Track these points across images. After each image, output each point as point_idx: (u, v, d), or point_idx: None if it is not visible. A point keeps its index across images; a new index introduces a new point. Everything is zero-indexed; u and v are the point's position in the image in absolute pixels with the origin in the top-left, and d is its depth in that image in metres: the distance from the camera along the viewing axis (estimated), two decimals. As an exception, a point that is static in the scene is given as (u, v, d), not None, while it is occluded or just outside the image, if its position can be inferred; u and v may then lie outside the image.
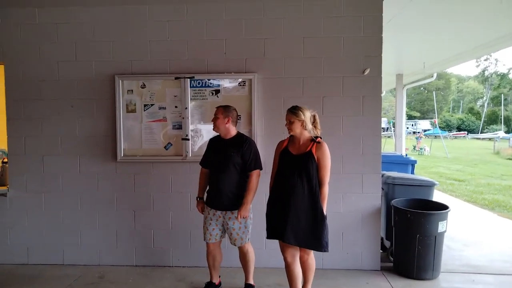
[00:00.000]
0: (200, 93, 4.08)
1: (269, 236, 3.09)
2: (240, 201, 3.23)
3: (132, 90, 4.13)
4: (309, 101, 3.69)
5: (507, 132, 39.19)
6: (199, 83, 4.07)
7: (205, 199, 3.45)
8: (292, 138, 3.11)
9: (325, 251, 2.97)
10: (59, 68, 4.16)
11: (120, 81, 4.10)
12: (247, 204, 3.21)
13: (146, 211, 4.19)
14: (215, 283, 3.52)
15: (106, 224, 4.22)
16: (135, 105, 4.14)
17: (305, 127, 2.99)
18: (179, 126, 4.11)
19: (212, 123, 3.33)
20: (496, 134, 35.05)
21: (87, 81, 4.15)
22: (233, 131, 3.34)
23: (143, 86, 4.12)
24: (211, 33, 4.06)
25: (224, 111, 3.28)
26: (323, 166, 2.94)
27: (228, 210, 3.27)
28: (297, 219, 2.91)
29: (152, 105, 4.13)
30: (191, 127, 4.09)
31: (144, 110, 4.13)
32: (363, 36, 3.96)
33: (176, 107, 4.10)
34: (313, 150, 2.95)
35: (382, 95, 4.21)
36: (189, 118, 4.08)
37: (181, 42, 4.08)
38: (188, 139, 4.09)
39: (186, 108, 4.06)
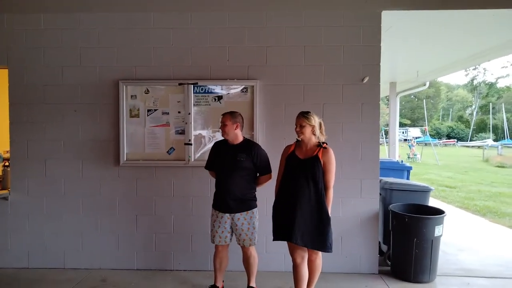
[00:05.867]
0: (203, 99, 4.15)
1: (276, 238, 3.16)
2: (247, 203, 3.34)
3: (135, 95, 4.18)
4: (310, 107, 3.73)
5: (495, 140, 39.82)
6: (202, 89, 4.15)
7: (212, 202, 3.51)
8: (298, 143, 3.21)
9: (329, 251, 3.07)
10: (63, 72, 4.21)
11: (124, 86, 4.15)
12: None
13: (148, 215, 4.23)
14: (218, 286, 3.56)
15: (108, 228, 4.24)
16: (138, 110, 4.19)
17: (314, 132, 3.10)
18: (182, 131, 4.17)
19: (220, 130, 3.41)
20: (485, 142, 35.62)
21: (91, 86, 4.20)
22: (240, 136, 3.43)
23: (147, 92, 4.18)
24: (215, 41, 4.15)
25: (231, 117, 3.37)
26: (328, 170, 3.04)
27: (237, 213, 3.34)
28: (304, 220, 3.00)
29: (155, 110, 4.18)
30: (194, 132, 4.16)
31: (148, 115, 4.19)
32: (362, 45, 4.09)
33: (179, 112, 4.17)
34: (320, 155, 3.05)
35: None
36: (192, 123, 4.14)
37: (184, 49, 4.16)
38: (191, 144, 4.15)
39: (189, 114, 4.13)
